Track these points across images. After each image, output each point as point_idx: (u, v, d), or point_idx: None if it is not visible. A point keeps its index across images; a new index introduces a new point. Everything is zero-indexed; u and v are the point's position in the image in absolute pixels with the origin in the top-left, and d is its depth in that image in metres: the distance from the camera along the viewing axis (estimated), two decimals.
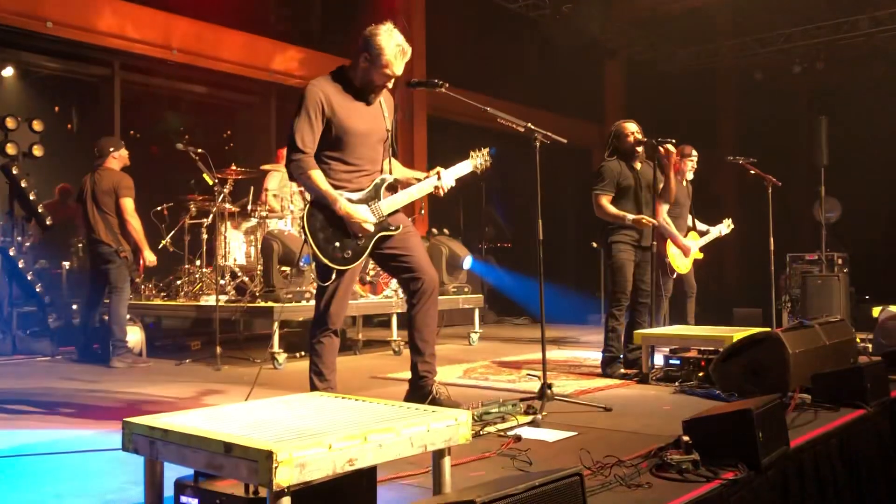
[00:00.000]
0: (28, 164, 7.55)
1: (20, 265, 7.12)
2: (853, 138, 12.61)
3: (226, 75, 9.65)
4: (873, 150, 13.13)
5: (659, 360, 5.19)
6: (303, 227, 3.71)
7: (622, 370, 5.36)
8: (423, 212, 10.22)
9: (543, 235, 4.18)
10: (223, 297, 6.88)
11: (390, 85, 3.83)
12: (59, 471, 3.04)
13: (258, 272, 6.92)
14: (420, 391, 3.88)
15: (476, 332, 8.06)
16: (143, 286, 7.61)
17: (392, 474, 2.72)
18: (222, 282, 7.08)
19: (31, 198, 7.29)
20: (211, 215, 7.26)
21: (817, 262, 9.72)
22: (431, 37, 11.14)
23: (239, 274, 7.23)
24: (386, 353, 7.20)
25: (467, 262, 8.12)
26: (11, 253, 7.08)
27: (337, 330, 3.82)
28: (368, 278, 7.54)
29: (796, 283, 9.46)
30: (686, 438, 2.81)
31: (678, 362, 4.95)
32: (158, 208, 7.55)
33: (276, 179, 7.45)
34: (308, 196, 3.84)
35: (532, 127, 4.12)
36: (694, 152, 6.60)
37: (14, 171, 7.21)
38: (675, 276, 6.51)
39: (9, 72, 8.62)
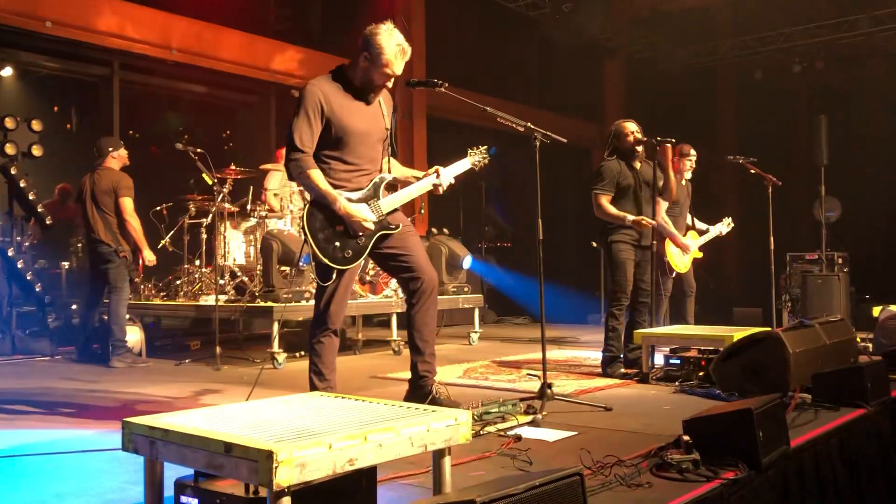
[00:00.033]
0: (27, 164, 7.55)
1: (19, 265, 7.12)
2: (853, 138, 12.63)
3: (225, 75, 9.65)
4: (873, 149, 13.14)
5: (659, 359, 5.19)
6: (302, 227, 3.70)
7: (622, 370, 5.35)
8: (422, 211, 10.23)
9: (543, 235, 4.18)
10: (223, 297, 6.88)
11: (390, 84, 3.83)
12: (59, 471, 3.03)
13: (258, 272, 6.92)
14: (420, 391, 3.88)
15: (476, 332, 8.06)
16: (142, 286, 7.61)
17: (392, 474, 2.72)
18: (222, 282, 7.08)
19: (31, 198, 7.29)
20: (210, 215, 7.26)
21: (817, 261, 9.72)
22: (431, 36, 11.14)
23: (238, 274, 7.23)
24: (386, 352, 7.20)
25: (467, 261, 8.11)
26: (10, 253, 7.07)
27: (337, 330, 3.81)
28: (368, 278, 7.54)
29: (796, 282, 9.46)
30: (686, 438, 2.81)
31: (678, 362, 4.95)
32: (158, 208, 7.55)
33: (277, 179, 7.45)
34: (308, 196, 3.84)
35: (532, 126, 4.11)
36: (692, 151, 6.60)
37: (13, 172, 7.21)
38: (673, 275, 6.50)
39: (8, 72, 8.61)
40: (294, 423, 2.21)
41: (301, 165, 3.65)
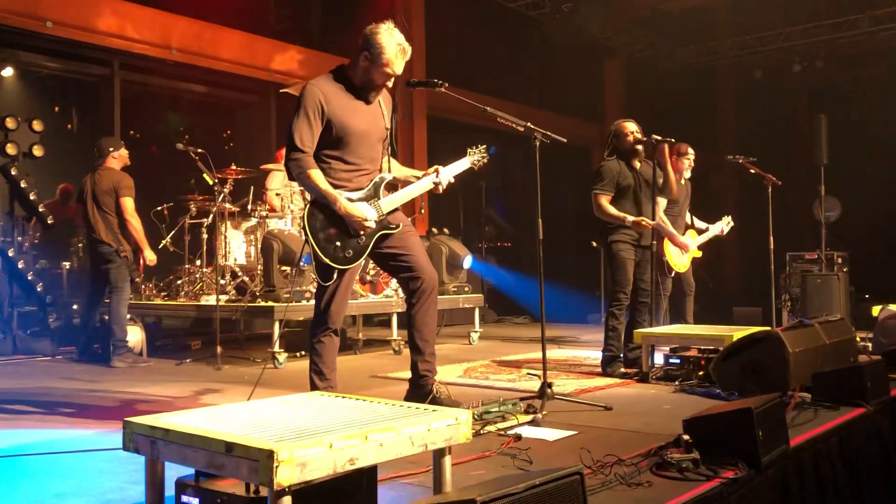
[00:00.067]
0: (28, 164, 7.55)
1: (20, 266, 7.12)
2: (853, 137, 12.63)
3: (225, 75, 9.65)
4: (873, 149, 13.15)
5: (659, 359, 5.19)
6: (303, 227, 3.71)
7: (622, 369, 5.36)
8: (423, 211, 10.23)
9: (543, 235, 4.19)
10: (223, 297, 6.88)
11: (390, 84, 3.83)
12: (60, 470, 3.04)
13: (258, 272, 6.93)
14: (420, 390, 3.88)
15: (476, 332, 8.06)
16: (143, 286, 7.61)
17: (392, 473, 2.72)
18: (222, 281, 7.09)
19: (32, 198, 7.29)
20: (211, 215, 7.27)
21: (817, 260, 9.73)
22: (431, 36, 11.14)
23: (239, 273, 7.24)
24: (386, 352, 7.20)
25: (467, 261, 8.12)
26: (11, 254, 7.07)
27: (337, 329, 3.82)
28: (368, 278, 7.54)
29: (796, 281, 9.47)
30: (686, 437, 2.81)
31: (678, 361, 4.95)
32: (158, 208, 7.55)
33: (278, 179, 7.45)
34: (308, 196, 3.84)
35: (532, 126, 4.12)
36: (690, 150, 6.59)
37: (13, 173, 7.21)
38: (672, 274, 6.51)
39: (8, 72, 8.62)
40: (295, 423, 2.21)
41: (301, 165, 3.65)
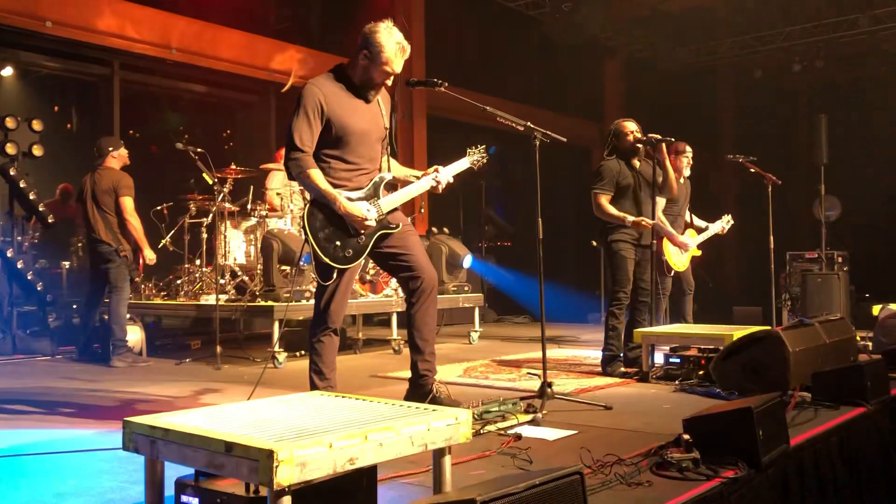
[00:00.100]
0: (28, 163, 7.55)
1: (19, 266, 7.12)
2: (853, 137, 12.63)
3: (225, 75, 9.65)
4: (873, 148, 13.15)
5: (659, 358, 5.19)
6: (303, 226, 3.71)
7: (622, 369, 5.36)
8: (423, 210, 10.23)
9: (543, 234, 4.19)
10: (223, 297, 6.88)
11: (389, 82, 3.83)
12: (60, 470, 3.04)
13: (258, 271, 6.93)
14: (420, 390, 3.88)
15: (476, 331, 8.06)
16: (143, 286, 7.61)
17: (392, 473, 2.72)
18: (222, 281, 7.09)
19: (32, 198, 7.29)
20: (211, 214, 7.27)
21: (817, 260, 9.73)
22: (431, 36, 11.14)
23: (239, 273, 7.24)
24: (386, 351, 7.20)
25: (467, 260, 8.12)
26: (10, 254, 7.06)
27: (337, 329, 3.82)
28: (368, 277, 7.54)
29: (796, 281, 9.47)
30: (686, 437, 2.81)
31: (678, 361, 4.95)
32: (158, 208, 7.55)
33: (279, 179, 7.45)
34: (308, 195, 3.84)
35: (531, 126, 4.12)
36: (688, 148, 6.57)
37: (11, 173, 7.21)
38: (672, 274, 6.50)
39: (8, 71, 8.61)
40: (294, 423, 2.21)
41: (301, 165, 3.65)
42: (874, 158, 13.03)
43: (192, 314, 7.31)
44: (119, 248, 6.31)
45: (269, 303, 6.48)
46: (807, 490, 3.10)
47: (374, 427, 2.12)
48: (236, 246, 7.40)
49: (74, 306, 7.42)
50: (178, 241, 7.62)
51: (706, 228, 6.89)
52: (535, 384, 4.51)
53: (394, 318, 7.29)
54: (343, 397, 2.68)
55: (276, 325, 6.20)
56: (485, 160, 4.15)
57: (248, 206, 7.25)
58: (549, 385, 4.17)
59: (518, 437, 3.30)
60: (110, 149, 6.47)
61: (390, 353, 7.08)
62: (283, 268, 6.71)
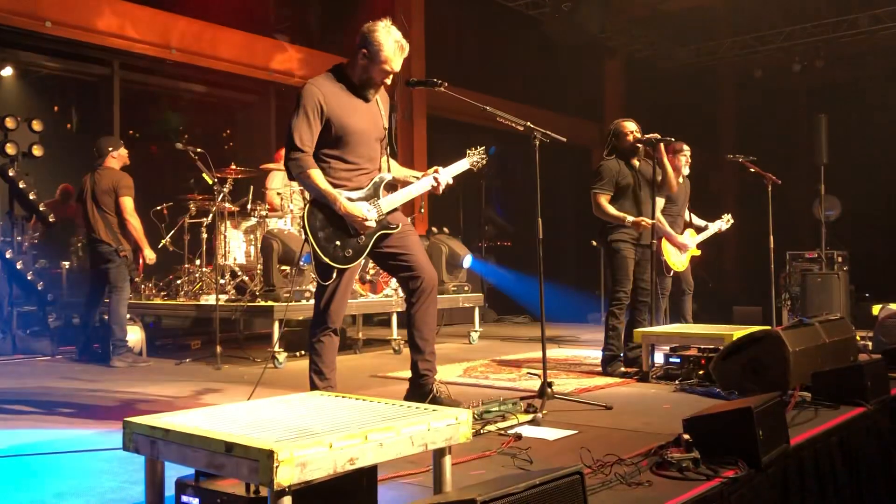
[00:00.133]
0: (28, 163, 7.55)
1: (18, 266, 7.11)
2: (853, 137, 12.62)
3: (225, 75, 9.65)
4: (873, 148, 13.14)
5: (659, 358, 5.19)
6: (303, 226, 3.71)
7: (622, 368, 5.36)
8: (422, 210, 10.24)
9: (543, 234, 4.19)
10: (223, 297, 6.88)
11: (388, 81, 3.83)
12: (60, 471, 3.04)
13: (258, 271, 6.93)
14: (420, 390, 3.88)
15: (476, 331, 8.06)
16: (142, 286, 7.61)
17: (392, 473, 2.72)
18: (222, 281, 7.08)
19: (32, 198, 7.29)
20: (211, 214, 7.27)
21: (817, 260, 9.73)
22: (431, 35, 11.14)
23: (239, 273, 7.24)
24: (386, 351, 7.20)
25: (467, 260, 8.12)
26: (8, 255, 7.05)
27: (337, 329, 3.82)
28: (368, 277, 7.54)
29: (796, 281, 9.47)
30: (686, 437, 2.81)
31: (678, 360, 4.95)
32: (158, 208, 7.55)
33: (279, 178, 7.45)
34: (308, 195, 3.84)
35: (531, 126, 4.12)
36: (685, 147, 6.56)
37: (10, 174, 7.20)
38: (671, 274, 6.50)
39: (8, 72, 8.61)
40: (295, 423, 2.21)
41: (301, 165, 3.65)
42: (874, 158, 13.02)
43: (192, 314, 7.31)
44: (119, 248, 6.31)
45: (269, 303, 6.48)
46: (807, 490, 3.10)
47: (375, 427, 2.12)
48: (236, 246, 7.40)
49: (74, 306, 7.42)
50: (177, 241, 7.62)
51: (706, 228, 6.88)
52: (535, 384, 4.51)
53: (394, 318, 7.29)
54: (343, 397, 2.68)
55: (276, 325, 6.20)
56: (484, 161, 4.15)
57: (248, 206, 7.25)
58: (550, 385, 4.17)
59: (518, 436, 3.30)
60: (110, 149, 6.47)
61: (390, 353, 7.08)
62: (283, 268, 6.71)
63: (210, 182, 6.72)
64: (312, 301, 4.08)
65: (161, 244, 7.48)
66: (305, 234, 3.69)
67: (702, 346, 4.91)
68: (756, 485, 2.74)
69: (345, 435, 2.03)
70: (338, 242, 3.69)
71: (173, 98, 10.13)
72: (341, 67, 3.83)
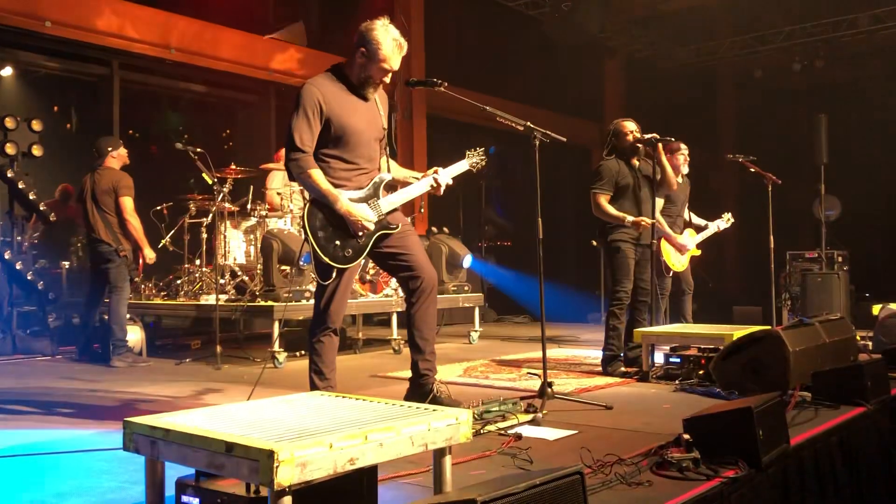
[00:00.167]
0: (28, 163, 7.55)
1: (18, 267, 7.11)
2: (853, 136, 12.62)
3: (225, 74, 9.65)
4: (873, 148, 13.14)
5: (659, 358, 5.19)
6: (303, 226, 3.70)
7: (623, 368, 5.36)
8: (422, 210, 10.24)
9: (543, 234, 4.19)
10: (223, 297, 6.88)
11: (387, 80, 3.83)
12: (60, 470, 3.04)
13: (258, 271, 6.93)
14: (420, 390, 3.88)
15: (476, 331, 8.06)
16: (142, 286, 7.61)
17: (393, 473, 2.72)
18: (222, 281, 7.08)
19: (31, 197, 7.29)
20: (210, 214, 7.27)
21: (817, 259, 9.73)
22: (431, 35, 11.14)
23: (239, 273, 7.24)
24: (386, 351, 7.20)
25: (467, 260, 8.12)
26: (7, 256, 7.04)
27: (336, 329, 3.81)
28: (368, 277, 7.54)
29: (796, 280, 9.47)
30: (686, 436, 2.81)
31: (678, 360, 4.95)
32: (158, 207, 7.55)
33: (279, 178, 7.46)
34: (308, 195, 3.84)
35: (531, 126, 4.12)
36: (682, 146, 6.55)
37: (9, 175, 7.20)
38: (670, 274, 6.49)
39: (8, 71, 8.61)
40: (295, 423, 2.21)
41: (302, 165, 3.65)
42: (874, 158, 13.02)
43: (192, 314, 7.31)
44: (119, 248, 6.31)
45: (269, 303, 6.48)
46: (807, 489, 3.10)
47: (375, 427, 2.12)
48: (236, 246, 7.40)
49: (74, 306, 7.42)
50: (177, 241, 7.62)
51: (706, 227, 6.87)
52: (535, 384, 4.51)
53: (394, 318, 7.29)
54: (343, 397, 2.68)
55: (276, 325, 6.20)
56: (483, 162, 4.16)
57: (248, 206, 7.25)
58: (550, 385, 4.17)
59: (518, 436, 3.30)
60: (109, 149, 6.47)
61: (390, 353, 7.08)
62: (283, 268, 6.71)
63: (210, 182, 6.72)
64: (312, 301, 4.08)
65: (161, 244, 7.48)
66: (305, 233, 3.69)
67: (702, 346, 4.92)
68: (756, 485, 2.74)
69: (345, 435, 2.03)
70: (338, 242, 3.69)
71: (173, 98, 10.13)
72: (340, 67, 3.83)
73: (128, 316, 6.43)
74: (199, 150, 6.46)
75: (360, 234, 3.72)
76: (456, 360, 6.31)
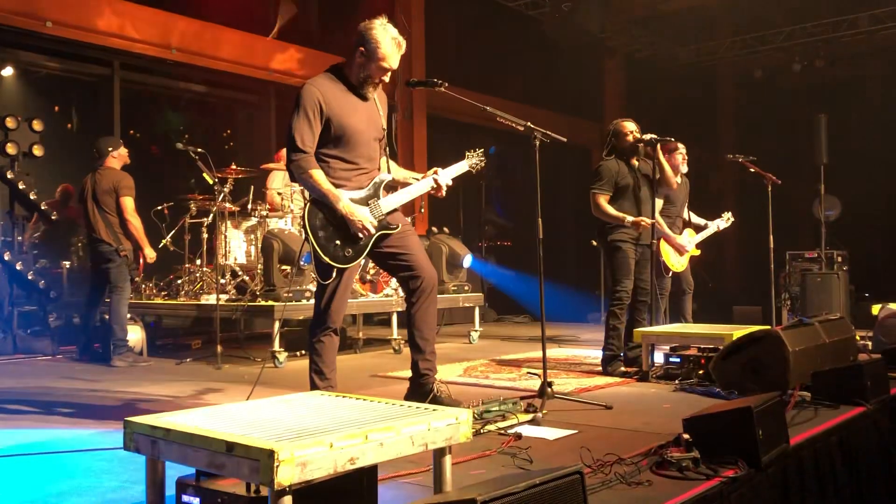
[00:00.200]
0: (28, 163, 7.55)
1: (18, 267, 7.11)
2: (853, 136, 12.63)
3: (225, 74, 9.66)
4: (873, 148, 13.14)
5: (659, 357, 5.19)
6: (303, 226, 3.71)
7: (622, 368, 5.36)
8: (423, 210, 10.24)
9: (543, 234, 4.19)
10: (223, 297, 6.88)
11: (387, 79, 3.83)
12: (60, 470, 3.04)
13: (258, 271, 6.93)
14: (421, 389, 3.88)
15: (476, 331, 8.07)
16: (143, 285, 7.62)
17: (393, 473, 2.72)
18: (223, 281, 7.09)
19: (32, 197, 7.29)
20: (211, 214, 7.27)
21: (817, 259, 9.73)
22: (431, 35, 11.14)
23: (239, 273, 7.24)
24: (386, 351, 7.20)
25: (467, 260, 8.12)
26: (7, 258, 7.05)
27: (337, 329, 3.82)
28: (368, 277, 7.55)
29: (796, 280, 9.47)
30: (686, 436, 2.82)
31: (678, 360, 4.95)
32: (159, 207, 7.56)
33: (280, 178, 7.46)
34: (308, 195, 3.84)
35: (531, 126, 4.12)
36: (680, 145, 6.54)
37: (9, 176, 7.20)
38: (670, 274, 6.50)
39: (8, 72, 8.61)
40: (295, 423, 2.22)
41: (303, 166, 3.65)
42: (874, 158, 13.02)
43: (192, 314, 7.31)
44: (119, 248, 6.31)
45: (270, 303, 6.48)
46: (807, 489, 3.10)
47: (375, 427, 2.12)
48: (237, 246, 7.40)
49: (75, 306, 7.42)
50: (178, 241, 7.63)
51: (705, 226, 6.87)
52: (535, 384, 4.51)
53: (394, 318, 7.29)
54: (343, 397, 2.68)
55: (277, 324, 6.21)
56: (483, 163, 4.16)
57: (249, 206, 7.25)
58: (550, 384, 4.17)
59: (518, 436, 3.31)
60: (109, 149, 6.47)
61: (390, 352, 7.08)
62: (284, 268, 6.71)
63: (210, 182, 6.72)
64: (312, 301, 4.08)
65: (162, 244, 7.48)
66: (306, 233, 3.69)
67: (702, 346, 4.92)
68: (756, 484, 2.74)
69: (345, 435, 2.03)
70: (338, 242, 3.70)
71: (173, 98, 10.13)
72: (339, 67, 3.84)
73: (128, 315, 6.44)
74: (199, 150, 6.46)
75: (361, 234, 3.72)
76: (456, 360, 6.32)
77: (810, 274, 8.96)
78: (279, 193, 7.31)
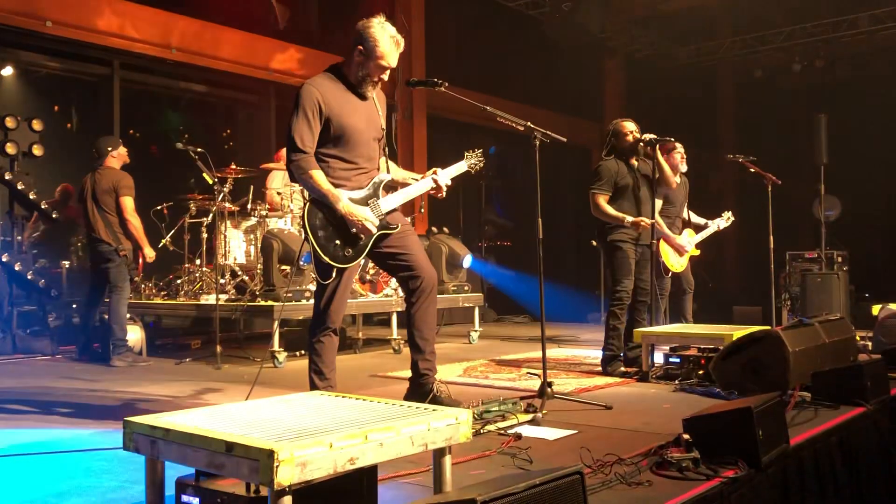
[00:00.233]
0: (28, 163, 7.55)
1: (17, 267, 7.10)
2: (853, 136, 12.63)
3: (225, 74, 9.65)
4: (873, 148, 13.14)
5: (659, 358, 5.19)
6: (303, 226, 3.70)
7: (622, 368, 5.36)
8: (422, 210, 10.23)
9: (543, 234, 4.19)
10: (223, 296, 6.88)
11: (385, 77, 3.83)
12: (60, 470, 3.04)
13: (258, 271, 6.93)
14: (420, 389, 3.88)
15: (476, 331, 8.06)
16: (143, 285, 7.61)
17: (392, 473, 2.72)
18: (222, 281, 7.09)
19: (32, 197, 7.29)
20: (211, 214, 7.27)
21: (817, 260, 9.73)
22: (431, 35, 11.14)
23: (239, 273, 7.24)
24: (386, 351, 7.20)
25: (467, 260, 8.12)
26: (5, 259, 7.04)
27: (336, 329, 3.82)
28: (368, 277, 7.54)
29: (796, 281, 9.47)
30: (686, 436, 2.81)
31: (678, 360, 4.95)
32: (158, 207, 7.56)
33: (279, 178, 7.46)
34: (307, 195, 3.84)
35: (531, 126, 4.12)
36: (678, 145, 6.53)
37: (7, 177, 7.19)
38: (669, 275, 6.49)
39: (8, 71, 8.61)
40: (295, 423, 2.21)
41: (303, 166, 3.65)
42: (874, 158, 13.03)
43: (192, 314, 7.31)
44: (119, 248, 6.31)
45: (269, 302, 6.48)
46: (807, 490, 3.10)
47: (375, 427, 2.12)
48: (236, 245, 7.40)
49: (74, 306, 7.42)
50: (178, 241, 7.63)
51: (705, 226, 6.87)
52: (535, 384, 4.51)
53: (394, 318, 7.29)
54: (343, 397, 2.68)
55: (276, 324, 6.21)
56: (482, 164, 4.16)
57: (249, 206, 7.25)
58: (549, 385, 4.17)
59: (518, 436, 3.31)
60: (109, 149, 6.47)
61: (390, 352, 7.08)
62: (283, 268, 6.71)
63: (210, 182, 6.72)
64: (312, 301, 4.08)
65: (161, 244, 7.48)
66: (305, 233, 3.69)
67: (702, 346, 4.92)
68: (756, 485, 2.74)
69: (345, 435, 2.03)
70: (338, 241, 3.69)
71: (173, 98, 10.13)
72: (338, 67, 3.84)
73: (128, 315, 6.44)
74: (199, 149, 6.46)
75: (361, 234, 3.72)
76: (456, 360, 6.32)
77: (810, 274, 8.96)
78: (279, 193, 7.31)
